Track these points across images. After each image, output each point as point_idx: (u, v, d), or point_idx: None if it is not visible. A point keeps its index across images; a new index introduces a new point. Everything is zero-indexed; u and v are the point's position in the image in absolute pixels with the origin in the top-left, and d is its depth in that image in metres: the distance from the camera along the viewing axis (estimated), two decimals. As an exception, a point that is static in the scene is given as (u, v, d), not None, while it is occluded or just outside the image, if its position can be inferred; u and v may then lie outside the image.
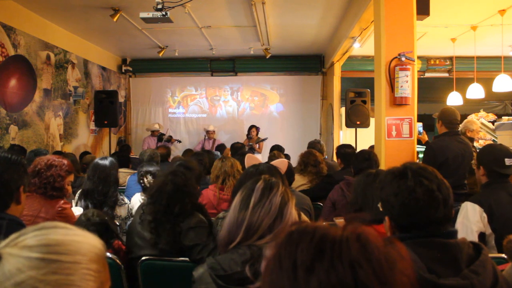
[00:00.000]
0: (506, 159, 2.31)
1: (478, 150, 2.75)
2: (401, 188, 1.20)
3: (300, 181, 3.79)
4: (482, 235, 2.20)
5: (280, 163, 2.59)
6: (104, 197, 2.74)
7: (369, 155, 3.17)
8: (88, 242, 0.82)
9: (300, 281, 0.62)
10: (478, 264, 1.12)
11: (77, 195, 2.90)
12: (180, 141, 8.32)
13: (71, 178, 2.43)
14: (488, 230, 2.19)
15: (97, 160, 2.89)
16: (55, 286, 0.74)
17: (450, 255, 1.14)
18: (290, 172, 3.16)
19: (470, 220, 2.20)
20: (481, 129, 6.10)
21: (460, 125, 4.78)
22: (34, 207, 2.23)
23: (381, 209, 1.31)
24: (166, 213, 2.09)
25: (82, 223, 2.12)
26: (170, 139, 7.96)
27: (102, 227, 2.14)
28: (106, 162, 2.84)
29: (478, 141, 6.04)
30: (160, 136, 7.88)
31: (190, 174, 2.28)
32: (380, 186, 1.29)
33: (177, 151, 8.26)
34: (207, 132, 8.13)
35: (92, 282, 0.79)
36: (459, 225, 2.23)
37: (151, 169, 3.18)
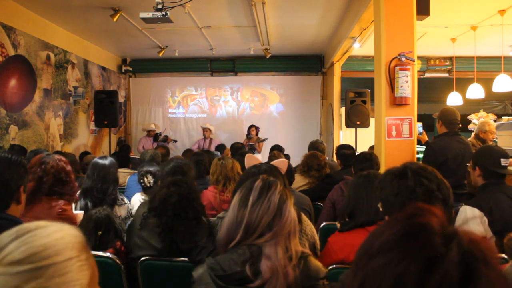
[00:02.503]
0: (502, 159, 2.32)
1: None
2: (401, 188, 1.20)
3: (300, 182, 3.79)
4: None
5: (280, 163, 2.59)
6: (103, 195, 2.74)
7: (370, 156, 3.19)
8: (70, 234, 0.82)
9: None
10: None
11: (77, 195, 2.90)
12: (176, 141, 8.30)
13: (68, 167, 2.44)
14: (489, 234, 2.18)
15: (96, 159, 2.90)
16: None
17: None
18: (290, 173, 3.16)
19: (470, 225, 2.19)
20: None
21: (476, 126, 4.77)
22: (34, 208, 2.23)
23: (381, 209, 1.31)
24: (174, 222, 2.08)
25: (91, 216, 2.14)
26: (166, 139, 7.94)
27: (109, 224, 2.16)
28: (106, 161, 2.85)
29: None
30: (156, 136, 7.87)
31: (189, 179, 2.29)
32: (380, 186, 1.29)
33: (176, 151, 8.26)
34: (204, 130, 8.09)
35: (87, 271, 0.80)
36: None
37: (151, 169, 3.18)
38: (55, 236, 0.79)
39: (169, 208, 2.08)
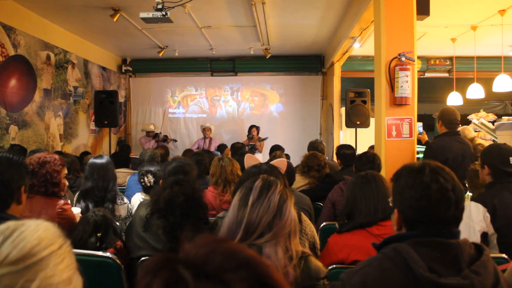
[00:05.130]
0: (511, 158, 2.32)
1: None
2: (416, 182, 1.20)
3: (301, 182, 3.78)
4: (484, 235, 2.20)
5: (280, 163, 2.59)
6: (105, 192, 2.74)
7: (373, 158, 3.13)
8: (48, 227, 0.85)
9: None
10: (479, 264, 1.12)
11: (75, 197, 2.89)
12: (176, 140, 8.30)
13: (65, 171, 2.43)
14: (491, 230, 2.20)
15: (92, 159, 2.88)
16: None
17: (452, 255, 1.14)
18: (291, 173, 3.15)
19: (473, 220, 2.21)
20: (481, 129, 6.10)
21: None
22: (34, 208, 2.23)
23: (391, 204, 1.31)
24: (182, 222, 2.07)
25: (88, 219, 2.14)
26: (165, 139, 7.94)
27: (107, 223, 2.16)
28: (103, 159, 2.85)
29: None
30: (155, 136, 7.86)
31: (191, 178, 2.28)
32: (394, 178, 1.28)
33: (176, 151, 8.26)
34: (203, 129, 8.06)
35: (67, 259, 0.85)
36: (462, 224, 2.24)
37: (152, 168, 3.19)
38: (39, 232, 0.82)
39: (176, 209, 2.06)
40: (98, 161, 2.83)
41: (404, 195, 1.22)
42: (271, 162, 2.51)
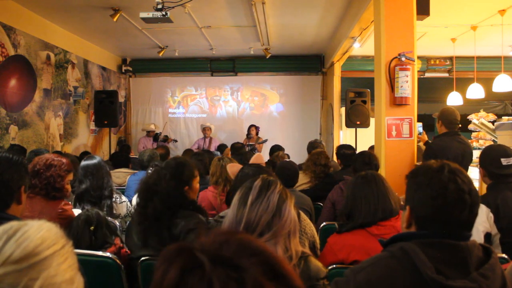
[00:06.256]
0: (502, 159, 2.27)
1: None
2: (433, 180, 1.18)
3: (302, 180, 3.78)
4: (487, 236, 2.19)
5: (257, 159, 2.56)
6: (101, 190, 2.73)
7: (369, 159, 3.10)
8: (50, 227, 0.86)
9: None
10: (488, 267, 1.11)
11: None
12: (176, 141, 8.30)
13: (70, 177, 2.42)
14: (494, 230, 2.19)
15: (84, 162, 2.85)
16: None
17: (460, 257, 1.12)
18: (295, 173, 3.16)
19: (477, 221, 2.18)
20: (481, 129, 6.10)
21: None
22: (35, 208, 2.23)
23: (402, 203, 1.29)
24: (147, 216, 2.02)
25: (79, 216, 2.14)
26: (166, 139, 7.93)
27: (100, 218, 2.16)
28: (94, 160, 2.84)
29: (478, 141, 6.05)
30: (156, 136, 7.86)
31: (165, 171, 2.10)
32: (411, 175, 1.27)
33: (176, 151, 8.26)
34: (203, 129, 8.03)
35: (70, 259, 0.85)
36: None
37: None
38: (42, 232, 0.83)
39: (141, 198, 2.04)
40: (91, 162, 2.81)
41: (419, 193, 1.20)
42: (251, 161, 2.49)
